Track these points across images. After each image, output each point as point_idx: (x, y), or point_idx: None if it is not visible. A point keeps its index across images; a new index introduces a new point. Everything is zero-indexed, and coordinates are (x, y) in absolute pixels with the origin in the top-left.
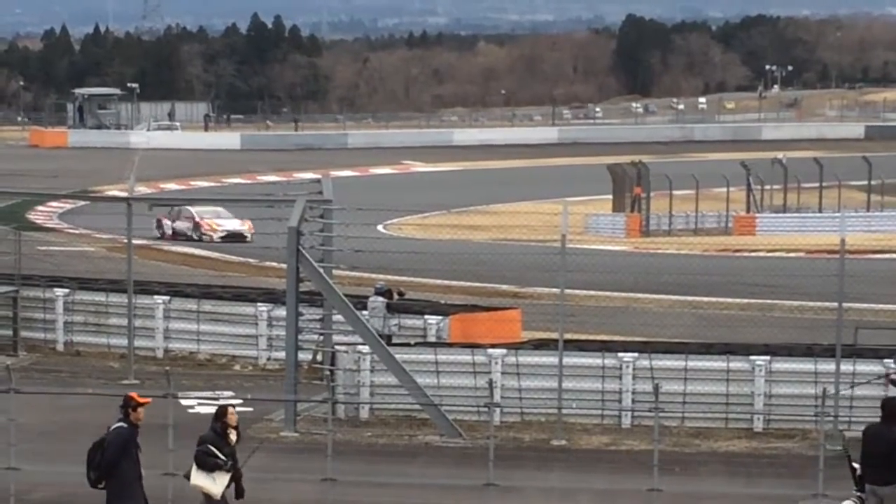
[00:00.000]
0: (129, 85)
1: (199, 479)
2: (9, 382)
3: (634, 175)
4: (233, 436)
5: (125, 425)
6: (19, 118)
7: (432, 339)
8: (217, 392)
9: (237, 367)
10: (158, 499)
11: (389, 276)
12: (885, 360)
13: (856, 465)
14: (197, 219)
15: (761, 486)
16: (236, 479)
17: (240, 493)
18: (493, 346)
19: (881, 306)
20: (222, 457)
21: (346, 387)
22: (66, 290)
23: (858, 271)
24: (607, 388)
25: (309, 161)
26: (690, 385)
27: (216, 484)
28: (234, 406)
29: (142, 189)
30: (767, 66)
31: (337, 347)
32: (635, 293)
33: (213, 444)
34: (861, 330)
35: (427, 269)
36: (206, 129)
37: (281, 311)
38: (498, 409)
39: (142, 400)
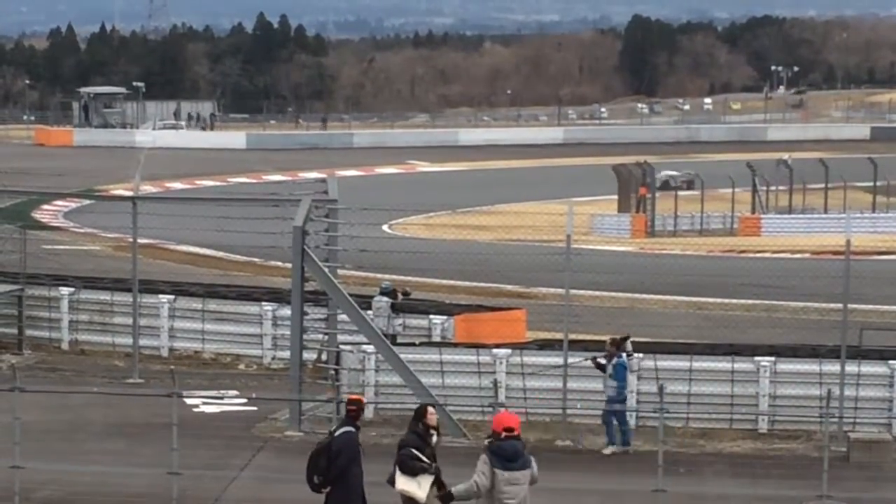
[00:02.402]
0: (134, 84)
1: (404, 484)
2: (13, 381)
3: (640, 175)
4: (434, 437)
5: (352, 429)
6: (25, 117)
7: (437, 339)
8: (222, 391)
9: (242, 367)
10: (163, 498)
11: (394, 276)
12: (890, 362)
13: None
14: None
15: (766, 487)
16: (436, 477)
17: (442, 486)
18: (498, 346)
19: (886, 307)
20: (426, 459)
21: (350, 386)
22: (72, 289)
23: (864, 272)
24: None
25: (314, 161)
26: (695, 386)
27: (421, 488)
28: (433, 406)
29: (147, 188)
30: (773, 67)
31: (342, 347)
32: (640, 294)
33: (416, 446)
34: (866, 331)
35: (432, 268)
36: (212, 127)
37: (286, 311)
38: (503, 410)
39: (364, 400)
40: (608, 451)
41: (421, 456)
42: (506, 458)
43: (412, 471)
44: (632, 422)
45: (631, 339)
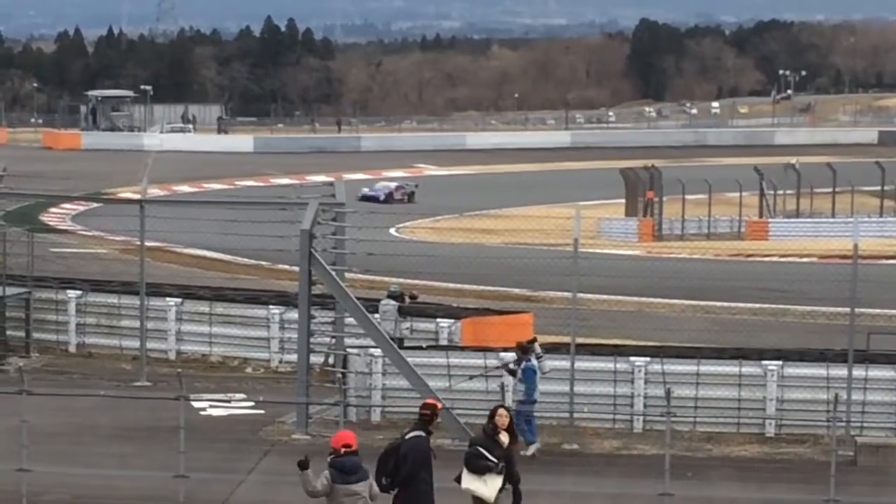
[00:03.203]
0: (142, 87)
1: (469, 482)
2: (21, 384)
3: (647, 179)
4: (504, 437)
5: (423, 434)
6: (33, 120)
7: (444, 343)
8: (229, 395)
9: (249, 370)
10: (170, 501)
11: (401, 280)
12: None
13: None
14: None
15: (773, 492)
16: (514, 483)
17: (517, 497)
18: (506, 349)
19: (894, 312)
20: (493, 458)
21: (357, 390)
22: (79, 292)
23: (871, 276)
24: (619, 392)
25: (321, 164)
26: (702, 390)
27: (488, 487)
28: (505, 408)
29: (155, 191)
30: (781, 71)
31: (349, 350)
32: (647, 297)
33: (483, 445)
34: (873, 335)
35: (439, 272)
36: (220, 131)
37: (293, 314)
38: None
39: (439, 405)
40: (530, 451)
41: (487, 454)
42: (345, 473)
43: (478, 469)
44: (638, 425)
45: (538, 340)
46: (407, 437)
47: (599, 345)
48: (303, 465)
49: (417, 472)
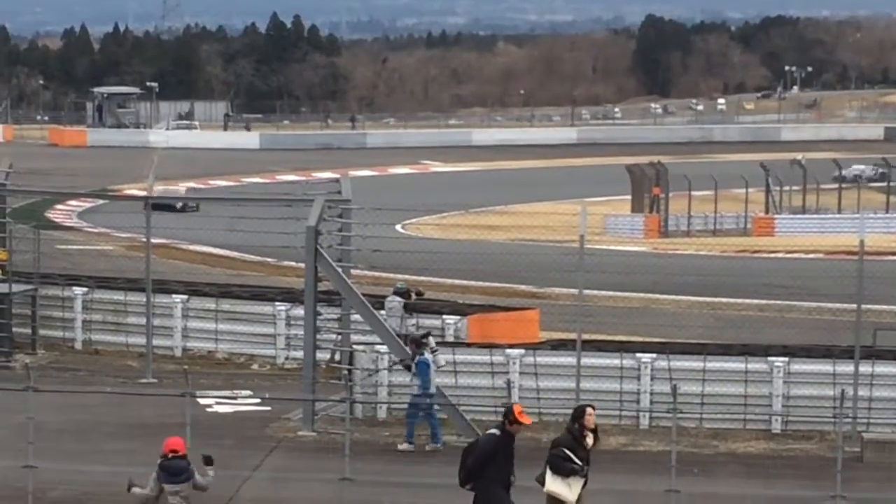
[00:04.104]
0: (148, 84)
1: (554, 485)
2: (27, 380)
3: (653, 176)
4: (590, 439)
5: (498, 433)
6: (39, 117)
7: (450, 339)
8: (235, 391)
9: (255, 367)
10: None
11: (407, 276)
12: None
13: None
14: None
15: (779, 488)
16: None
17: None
18: (511, 346)
19: None
20: (578, 461)
21: (363, 386)
22: (85, 289)
23: (877, 273)
24: (625, 388)
25: (327, 161)
26: (708, 386)
27: (571, 490)
28: (593, 407)
29: (161, 188)
30: (787, 67)
31: (355, 347)
32: (653, 294)
33: (569, 447)
34: (880, 331)
35: (445, 269)
36: (226, 128)
37: (299, 311)
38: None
39: (523, 419)
40: (403, 447)
41: (573, 457)
42: (171, 474)
43: (563, 472)
44: (644, 421)
45: (432, 335)
46: (486, 432)
47: (605, 341)
48: (208, 461)
49: (484, 466)
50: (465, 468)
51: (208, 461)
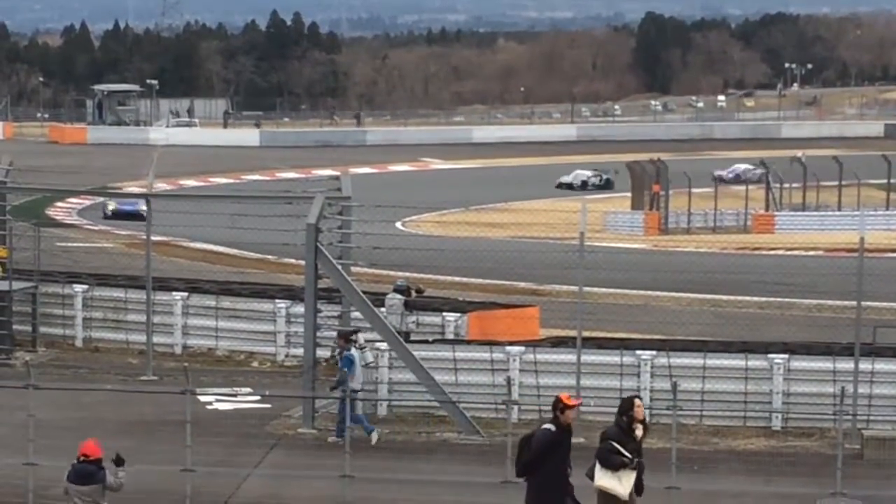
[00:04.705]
0: (148, 81)
1: (604, 479)
2: (27, 378)
3: (653, 173)
4: (639, 431)
5: (553, 428)
6: (39, 114)
7: (450, 337)
8: (235, 388)
9: (255, 364)
10: (177, 495)
11: (408, 273)
12: None
13: None
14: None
15: (780, 485)
16: (639, 473)
17: (639, 490)
18: (512, 343)
19: None
20: (627, 454)
21: (364, 384)
22: (85, 287)
23: (877, 270)
24: (625, 385)
25: (327, 158)
26: (709, 383)
27: (622, 484)
28: (640, 398)
29: (161, 185)
30: (787, 64)
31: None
32: (653, 291)
33: (618, 440)
34: (880, 329)
35: (445, 266)
36: (226, 125)
37: (299, 308)
38: (516, 407)
39: (571, 402)
40: (374, 438)
41: (622, 450)
42: (78, 476)
43: (612, 465)
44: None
45: (361, 332)
46: (541, 427)
47: (605, 338)
48: (118, 462)
49: (540, 462)
50: (521, 461)
51: (119, 462)
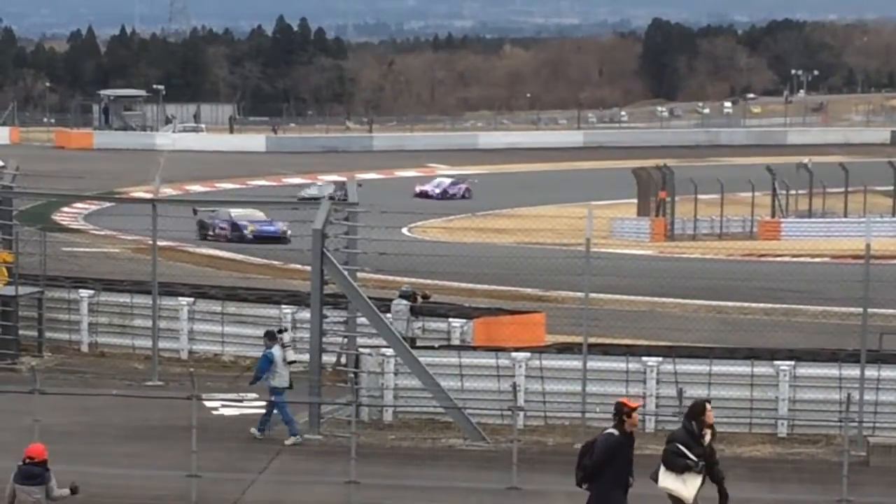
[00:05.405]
0: (154, 87)
1: (667, 481)
2: (33, 383)
3: (659, 179)
4: (707, 436)
5: (616, 433)
6: (45, 119)
7: (456, 342)
8: (241, 394)
9: None
10: (182, 500)
11: (414, 279)
12: None
13: None
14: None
15: (786, 492)
16: (718, 481)
17: (723, 497)
18: (517, 349)
19: None
20: (693, 457)
21: (369, 389)
22: (91, 292)
23: (884, 277)
24: (631, 392)
25: (333, 164)
26: (714, 390)
27: (686, 486)
28: (710, 402)
29: (167, 191)
30: (793, 71)
31: (361, 350)
32: (660, 297)
33: (684, 443)
34: (886, 335)
35: (451, 272)
36: (231, 131)
37: (305, 314)
38: (522, 413)
39: (632, 404)
40: (289, 441)
41: (687, 453)
42: (24, 477)
43: (677, 468)
44: (650, 425)
45: (287, 331)
46: (603, 432)
47: (611, 345)
48: (73, 491)
49: (603, 468)
50: (582, 468)
51: (74, 491)
